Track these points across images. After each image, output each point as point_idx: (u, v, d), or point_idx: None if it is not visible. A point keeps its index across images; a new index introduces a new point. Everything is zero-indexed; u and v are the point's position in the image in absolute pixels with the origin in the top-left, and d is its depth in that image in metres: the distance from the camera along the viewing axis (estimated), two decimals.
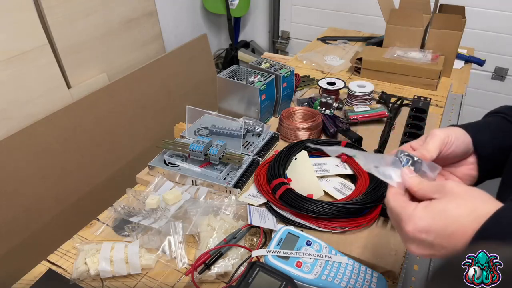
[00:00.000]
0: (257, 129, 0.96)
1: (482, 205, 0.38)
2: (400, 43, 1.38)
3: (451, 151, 0.51)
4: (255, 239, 0.70)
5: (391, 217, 0.44)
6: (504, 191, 0.53)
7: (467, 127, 0.54)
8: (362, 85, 1.12)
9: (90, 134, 1.42)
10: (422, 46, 1.37)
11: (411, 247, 0.41)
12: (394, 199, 0.43)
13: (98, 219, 0.76)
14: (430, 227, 0.39)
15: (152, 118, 1.67)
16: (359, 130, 1.00)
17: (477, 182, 0.56)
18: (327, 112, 1.06)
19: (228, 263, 0.64)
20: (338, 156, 0.88)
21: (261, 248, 0.66)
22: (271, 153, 0.94)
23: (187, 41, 1.89)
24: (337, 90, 1.11)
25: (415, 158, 0.47)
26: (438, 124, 1.08)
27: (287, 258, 0.59)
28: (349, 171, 0.85)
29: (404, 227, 0.41)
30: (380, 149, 0.94)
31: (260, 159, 0.89)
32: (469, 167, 0.55)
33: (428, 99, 1.13)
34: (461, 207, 0.39)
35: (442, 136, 0.50)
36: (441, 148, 0.50)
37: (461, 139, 0.52)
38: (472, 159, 0.55)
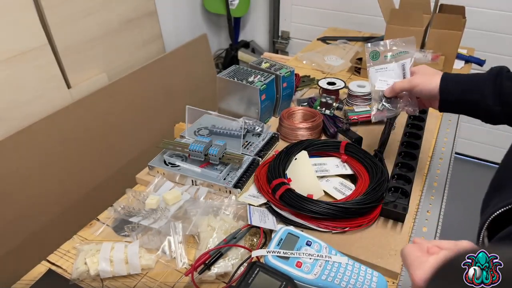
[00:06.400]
0: (257, 129, 0.96)
1: None
2: None
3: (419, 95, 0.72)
4: (255, 239, 0.70)
5: (405, 263, 0.45)
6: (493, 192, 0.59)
7: (445, 78, 0.68)
8: (362, 85, 1.12)
9: (90, 134, 1.42)
10: (422, 46, 1.37)
11: None
12: (411, 247, 0.45)
13: (98, 219, 0.76)
14: None
15: (152, 118, 1.67)
16: (359, 130, 1.00)
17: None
18: (327, 112, 1.06)
19: (228, 263, 0.64)
20: (338, 156, 0.88)
21: (261, 248, 0.66)
22: (271, 153, 0.94)
23: (187, 41, 1.89)
24: (337, 90, 1.11)
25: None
26: (438, 123, 1.08)
27: (287, 258, 0.59)
28: (349, 171, 0.85)
29: (414, 273, 0.42)
30: (380, 149, 0.94)
31: (260, 159, 0.89)
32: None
33: None
34: None
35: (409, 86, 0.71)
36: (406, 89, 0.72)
37: (428, 86, 0.69)
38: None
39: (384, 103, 0.75)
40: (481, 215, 0.61)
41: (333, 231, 0.71)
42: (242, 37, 2.68)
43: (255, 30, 2.66)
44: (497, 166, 0.65)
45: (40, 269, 0.66)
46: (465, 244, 0.44)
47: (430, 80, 0.68)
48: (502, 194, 0.57)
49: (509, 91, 0.63)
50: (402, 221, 0.74)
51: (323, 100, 1.07)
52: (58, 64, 1.36)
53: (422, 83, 0.68)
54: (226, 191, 0.80)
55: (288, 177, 0.82)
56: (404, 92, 0.73)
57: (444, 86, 0.66)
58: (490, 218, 0.56)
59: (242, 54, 2.47)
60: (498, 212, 0.54)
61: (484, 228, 0.58)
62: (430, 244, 0.46)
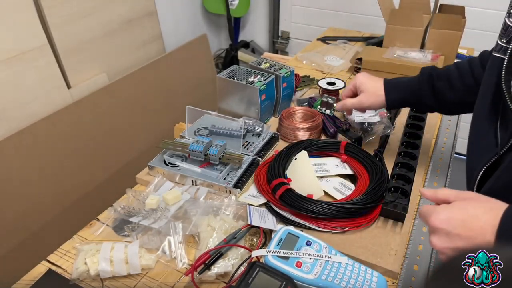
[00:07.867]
0: (257, 129, 0.96)
1: (498, 205, 0.45)
2: (400, 43, 1.38)
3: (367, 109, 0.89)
4: (255, 239, 0.70)
5: (423, 218, 0.51)
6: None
7: (388, 90, 0.82)
8: None
9: (90, 134, 1.42)
10: (422, 46, 1.37)
11: (433, 239, 0.47)
12: (424, 206, 0.52)
13: (98, 219, 0.76)
14: (450, 218, 0.46)
15: (152, 118, 1.67)
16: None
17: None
18: (328, 112, 1.06)
19: (228, 263, 0.64)
20: (338, 156, 0.88)
21: (261, 248, 0.66)
22: (271, 153, 0.94)
23: (187, 41, 1.89)
24: (337, 90, 1.11)
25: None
26: (438, 123, 1.08)
27: (287, 258, 0.59)
28: (349, 171, 0.85)
29: (429, 220, 0.48)
30: (380, 149, 0.94)
31: (260, 159, 0.89)
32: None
33: None
34: (479, 207, 0.46)
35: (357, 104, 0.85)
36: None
37: (376, 104, 0.83)
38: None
39: (363, 130, 0.97)
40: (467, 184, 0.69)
41: (333, 231, 0.71)
42: (242, 37, 2.68)
43: (255, 30, 2.66)
44: None
45: (40, 269, 0.66)
46: (469, 195, 0.49)
47: (376, 97, 0.83)
48: (476, 157, 0.65)
49: (440, 90, 0.78)
50: (402, 221, 0.74)
51: (325, 99, 1.07)
52: (58, 64, 1.36)
53: (372, 104, 0.83)
54: (226, 191, 0.80)
55: (288, 177, 0.82)
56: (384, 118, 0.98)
57: (389, 98, 0.83)
58: (478, 178, 0.63)
59: (242, 54, 2.47)
60: (481, 173, 0.63)
61: (474, 189, 0.65)
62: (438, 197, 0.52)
